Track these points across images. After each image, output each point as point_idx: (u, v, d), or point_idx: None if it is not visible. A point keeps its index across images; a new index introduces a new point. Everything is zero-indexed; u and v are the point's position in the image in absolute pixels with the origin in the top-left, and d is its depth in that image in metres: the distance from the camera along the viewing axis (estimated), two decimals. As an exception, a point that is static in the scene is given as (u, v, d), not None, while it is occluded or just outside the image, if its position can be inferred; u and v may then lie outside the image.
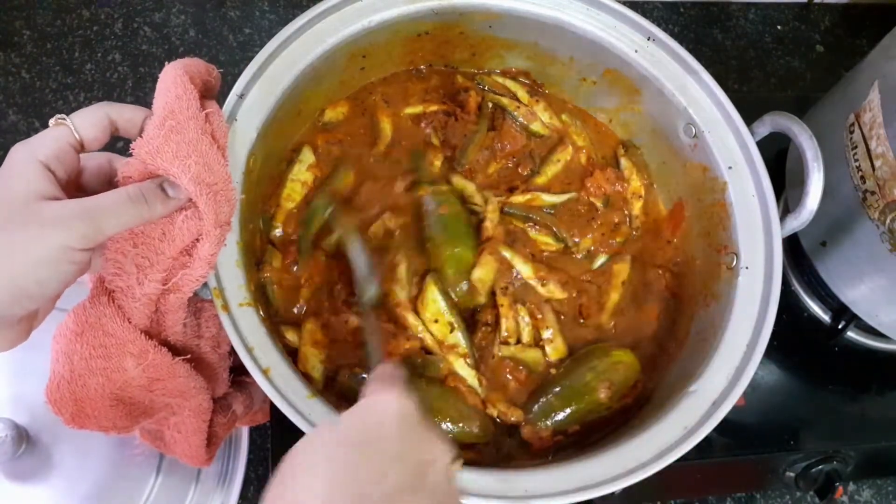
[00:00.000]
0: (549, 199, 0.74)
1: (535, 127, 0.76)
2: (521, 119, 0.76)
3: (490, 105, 0.76)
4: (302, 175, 0.69)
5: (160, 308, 0.52)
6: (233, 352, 0.60)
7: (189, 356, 0.55)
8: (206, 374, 0.59)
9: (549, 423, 0.63)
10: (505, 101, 0.76)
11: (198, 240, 0.50)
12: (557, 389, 0.65)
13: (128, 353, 0.51)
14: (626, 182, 0.75)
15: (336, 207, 0.68)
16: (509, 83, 0.77)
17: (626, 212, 0.75)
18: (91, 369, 0.50)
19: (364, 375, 0.62)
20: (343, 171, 0.71)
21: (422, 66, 0.77)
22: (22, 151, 0.46)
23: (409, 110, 0.75)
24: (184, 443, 0.61)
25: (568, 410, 0.64)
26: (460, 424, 0.62)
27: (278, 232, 0.67)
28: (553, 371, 0.66)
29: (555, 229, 0.72)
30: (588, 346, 0.68)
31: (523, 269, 0.69)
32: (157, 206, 0.48)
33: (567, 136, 0.76)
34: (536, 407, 0.64)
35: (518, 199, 0.72)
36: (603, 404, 0.64)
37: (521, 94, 0.77)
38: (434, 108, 0.75)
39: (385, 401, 0.46)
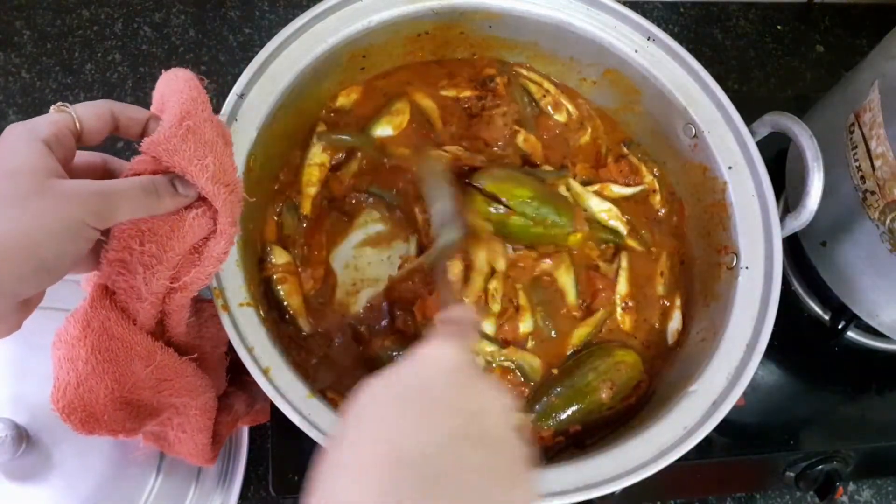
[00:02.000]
0: (618, 190, 0.74)
1: (560, 116, 0.76)
2: (548, 108, 0.76)
3: (523, 92, 0.76)
4: (318, 157, 0.69)
5: (165, 308, 0.52)
6: (230, 351, 0.60)
7: (195, 355, 0.56)
8: (208, 373, 0.59)
9: (550, 423, 0.63)
10: (533, 87, 0.76)
11: (207, 238, 0.50)
12: (559, 389, 0.65)
13: (135, 356, 0.51)
14: (638, 176, 0.75)
15: (423, 147, 0.68)
16: (534, 74, 0.77)
17: (653, 206, 0.75)
18: (98, 374, 0.50)
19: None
20: (397, 103, 0.71)
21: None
22: (21, 130, 0.45)
23: (444, 93, 0.75)
24: (188, 442, 0.62)
25: (569, 411, 0.64)
26: None
27: (305, 214, 0.68)
28: (554, 371, 0.66)
29: (641, 231, 0.73)
30: (590, 347, 0.68)
31: (622, 287, 0.70)
32: (166, 201, 0.48)
33: (587, 121, 0.77)
34: (538, 407, 0.64)
35: (589, 189, 0.73)
36: (604, 404, 0.64)
37: (547, 84, 0.77)
38: (467, 93, 0.75)
39: (436, 353, 0.44)
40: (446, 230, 0.60)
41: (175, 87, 0.52)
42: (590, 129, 0.77)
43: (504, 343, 0.66)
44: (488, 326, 0.66)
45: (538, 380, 0.66)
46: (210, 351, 0.59)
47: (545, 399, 0.64)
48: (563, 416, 0.64)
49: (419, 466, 0.36)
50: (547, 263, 0.69)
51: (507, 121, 0.72)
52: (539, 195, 0.67)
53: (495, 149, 0.72)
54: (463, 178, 0.69)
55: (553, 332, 0.67)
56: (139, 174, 0.49)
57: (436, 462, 0.36)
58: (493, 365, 0.65)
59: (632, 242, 0.73)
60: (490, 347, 0.65)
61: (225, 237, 0.50)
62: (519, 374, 0.66)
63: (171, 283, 0.50)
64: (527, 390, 0.65)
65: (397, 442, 0.37)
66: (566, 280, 0.69)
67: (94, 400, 0.51)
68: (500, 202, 0.66)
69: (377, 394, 0.41)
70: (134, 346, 0.51)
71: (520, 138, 0.73)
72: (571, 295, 0.69)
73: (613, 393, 0.64)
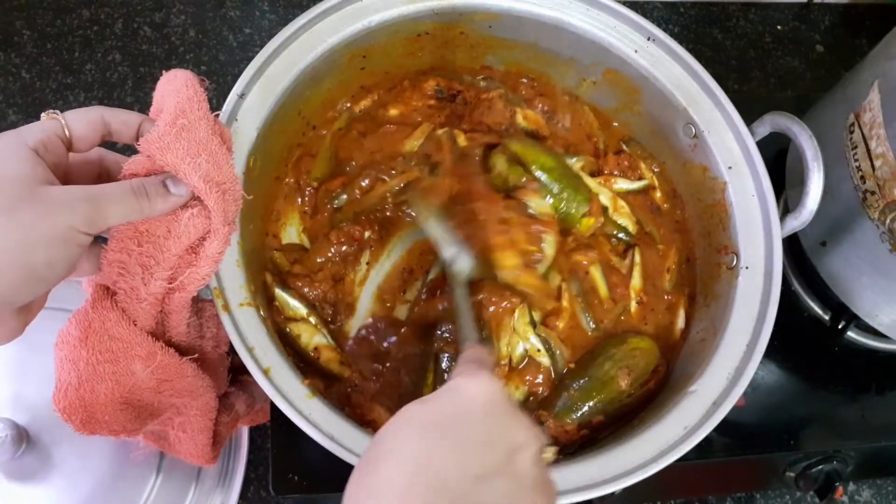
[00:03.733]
0: (622, 185, 0.74)
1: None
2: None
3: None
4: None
5: (165, 308, 0.52)
6: (232, 351, 0.60)
7: (196, 356, 0.56)
8: (209, 374, 0.59)
9: (574, 416, 0.64)
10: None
11: (203, 238, 0.50)
12: (578, 383, 0.65)
13: (135, 356, 0.51)
14: (637, 171, 0.75)
15: (414, 190, 0.68)
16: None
17: (654, 202, 0.76)
18: (99, 374, 0.50)
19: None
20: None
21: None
22: (11, 138, 0.46)
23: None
24: (189, 442, 0.62)
25: (591, 402, 0.64)
26: None
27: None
28: (572, 366, 0.67)
29: (647, 228, 0.73)
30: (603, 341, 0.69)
31: (636, 282, 0.71)
32: (157, 201, 0.48)
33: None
34: (560, 402, 0.64)
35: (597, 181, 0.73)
36: (624, 392, 0.64)
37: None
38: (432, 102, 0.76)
39: (473, 385, 0.44)
40: (456, 258, 0.61)
41: (173, 86, 0.52)
42: (569, 116, 0.77)
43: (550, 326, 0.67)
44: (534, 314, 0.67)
45: (563, 371, 0.67)
46: (211, 351, 0.59)
47: (565, 394, 0.65)
48: (586, 409, 0.64)
49: (453, 497, 0.37)
50: (577, 256, 0.70)
51: (504, 103, 0.72)
52: (560, 168, 0.68)
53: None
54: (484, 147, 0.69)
55: (591, 324, 0.69)
56: (135, 174, 0.49)
57: (469, 495, 0.38)
58: (527, 357, 0.66)
59: (643, 236, 0.74)
60: (532, 336, 0.66)
61: (219, 237, 0.50)
62: (551, 368, 0.66)
63: (169, 283, 0.50)
64: (547, 390, 0.66)
65: (433, 471, 0.38)
66: (595, 273, 0.70)
67: (95, 400, 0.51)
68: (523, 165, 0.66)
69: (413, 419, 0.42)
70: (134, 346, 0.51)
71: (519, 117, 0.73)
72: (603, 288, 0.70)
73: (632, 379, 0.64)
